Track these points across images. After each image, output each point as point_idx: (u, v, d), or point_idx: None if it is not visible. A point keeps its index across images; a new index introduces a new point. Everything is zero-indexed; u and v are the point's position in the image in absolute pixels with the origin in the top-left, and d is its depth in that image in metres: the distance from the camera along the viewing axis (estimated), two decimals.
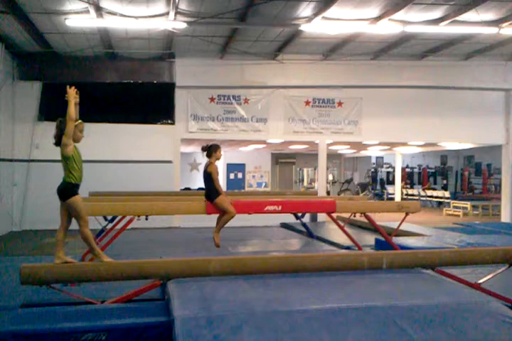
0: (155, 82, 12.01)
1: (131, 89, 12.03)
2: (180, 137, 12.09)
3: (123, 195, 7.70)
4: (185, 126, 12.02)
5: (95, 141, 11.60)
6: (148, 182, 10.81)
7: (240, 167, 20.76)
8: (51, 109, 11.48)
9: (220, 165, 21.19)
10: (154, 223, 7.03)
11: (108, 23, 9.11)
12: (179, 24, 8.86)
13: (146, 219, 5.63)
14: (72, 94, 3.70)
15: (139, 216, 5.58)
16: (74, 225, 6.12)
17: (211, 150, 5.76)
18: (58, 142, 3.68)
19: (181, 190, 13.14)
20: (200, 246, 6.76)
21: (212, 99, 12.12)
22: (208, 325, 2.91)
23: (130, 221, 5.73)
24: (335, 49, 11.40)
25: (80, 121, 3.77)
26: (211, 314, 3.05)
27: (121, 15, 8.77)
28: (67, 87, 3.75)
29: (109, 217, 7.18)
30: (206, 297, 3.36)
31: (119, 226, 6.15)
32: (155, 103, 12.09)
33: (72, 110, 3.63)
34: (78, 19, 8.77)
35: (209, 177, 5.72)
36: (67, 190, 3.63)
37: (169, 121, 12.09)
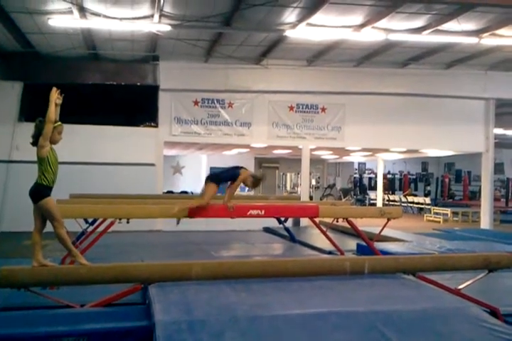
0: (138, 84, 11.93)
1: (115, 91, 11.93)
2: (164, 140, 12.01)
3: (104, 197, 7.61)
4: (169, 129, 11.95)
5: (77, 143, 11.47)
6: (131, 185, 10.70)
7: None
8: (32, 109, 11.29)
9: (203, 169, 21.13)
10: (136, 226, 6.94)
11: (91, 23, 9.03)
12: (163, 27, 8.84)
13: (128, 222, 5.57)
14: (55, 96, 3.63)
15: (120, 219, 5.52)
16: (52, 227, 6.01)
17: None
18: (36, 142, 3.62)
19: (164, 193, 13.05)
20: (182, 250, 6.71)
21: (196, 103, 12.09)
22: (190, 329, 2.88)
23: (111, 224, 5.66)
24: (319, 55, 11.48)
25: (59, 123, 3.70)
26: (193, 318, 3.02)
27: (105, 16, 8.71)
28: (53, 88, 3.68)
29: (90, 220, 7.09)
30: (188, 301, 3.33)
31: (100, 229, 6.07)
32: (138, 105, 12.02)
33: (52, 112, 3.57)
34: (61, 19, 8.68)
35: None
36: (39, 192, 3.58)
37: (152, 124, 12.01)
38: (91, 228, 6.83)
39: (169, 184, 19.03)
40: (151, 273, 3.62)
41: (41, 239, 3.65)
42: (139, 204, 6.25)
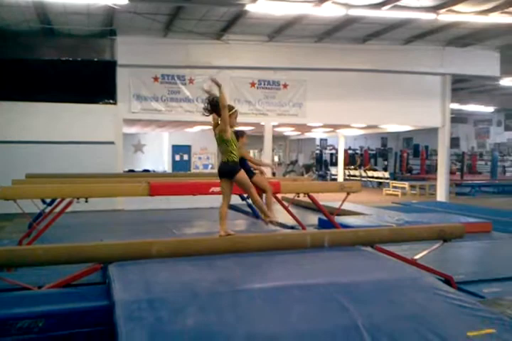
0: (95, 59, 11.56)
1: (71, 67, 11.52)
2: (123, 117, 11.75)
3: (62, 176, 7.43)
4: (128, 106, 11.69)
5: (33, 121, 11.11)
6: (90, 164, 10.49)
7: (186, 148, 20.53)
8: None
9: (165, 147, 20.88)
10: (96, 206, 6.85)
11: None
12: (120, 0, 8.54)
13: (86, 201, 5.47)
14: (218, 82, 3.86)
15: (78, 198, 5.41)
16: (10, 209, 5.86)
17: (237, 136, 5.59)
18: (209, 111, 3.98)
19: (125, 172, 12.85)
20: (143, 229, 6.66)
21: (155, 79, 11.84)
22: (150, 307, 2.86)
23: (69, 204, 5.55)
24: (280, 31, 11.38)
25: (235, 109, 4.07)
26: (153, 296, 3.01)
27: None
28: (210, 78, 3.97)
29: (48, 200, 6.92)
30: (148, 279, 3.31)
31: (58, 210, 5.94)
32: (96, 82, 11.65)
33: (224, 97, 3.83)
34: None
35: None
36: (235, 168, 4.00)
37: (111, 101, 11.70)
38: (49, 209, 6.68)
39: (130, 163, 18.75)
40: (110, 252, 3.57)
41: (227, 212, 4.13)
42: (97, 183, 6.13)
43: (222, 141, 4.00)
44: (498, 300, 3.73)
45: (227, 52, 11.90)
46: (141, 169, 18.62)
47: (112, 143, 11.58)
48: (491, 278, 4.55)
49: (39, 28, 10.87)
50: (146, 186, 5.71)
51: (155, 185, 5.76)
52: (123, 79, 11.59)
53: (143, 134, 20.88)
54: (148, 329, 2.69)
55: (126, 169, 15.10)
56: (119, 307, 2.85)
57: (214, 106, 3.90)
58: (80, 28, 11.00)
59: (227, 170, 4.00)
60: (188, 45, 11.67)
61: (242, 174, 4.04)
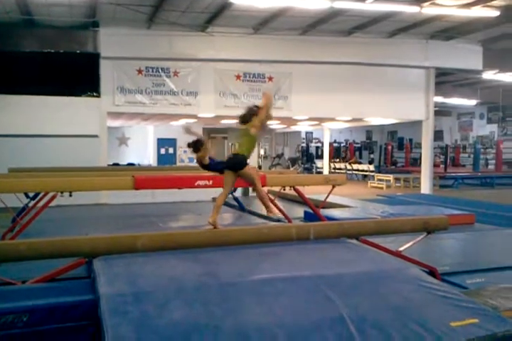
0: (78, 51, 11.40)
1: (53, 60, 11.34)
2: (107, 110, 11.62)
3: (45, 170, 7.34)
4: (112, 99, 11.56)
5: (15, 115, 10.95)
6: (74, 158, 10.37)
7: (171, 142, 20.42)
8: None
9: (150, 140, 20.76)
10: (80, 200, 6.76)
11: None
12: None
13: (70, 195, 5.41)
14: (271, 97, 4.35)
15: (61, 192, 5.35)
16: None
17: (198, 145, 5.43)
18: (243, 121, 4.21)
19: (109, 165, 12.74)
20: (128, 223, 6.61)
21: (139, 71, 11.72)
22: (135, 301, 2.85)
23: (53, 197, 5.48)
24: (265, 23, 11.33)
25: (272, 115, 4.35)
26: (138, 290, 2.99)
27: None
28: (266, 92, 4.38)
29: (31, 194, 6.84)
30: (134, 273, 3.29)
31: (42, 204, 5.87)
32: (79, 74, 11.50)
33: (271, 97, 4.33)
34: None
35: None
36: (244, 161, 4.14)
37: (94, 94, 11.56)
38: (33, 203, 6.60)
39: (115, 156, 18.60)
40: (95, 246, 3.53)
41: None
42: (81, 177, 6.06)
43: (245, 134, 4.16)
44: (480, 290, 3.78)
45: (212, 44, 11.82)
46: (125, 162, 18.49)
47: (96, 136, 11.46)
48: (474, 269, 4.60)
49: (20, 19, 10.68)
50: (130, 179, 5.66)
51: (140, 178, 5.72)
52: (106, 71, 11.45)
53: (127, 127, 20.71)
54: (134, 323, 2.68)
55: (111, 163, 14.97)
56: (104, 301, 2.83)
57: (252, 114, 4.11)
58: (62, 19, 10.82)
59: (234, 163, 4.13)
60: (172, 37, 11.57)
61: (248, 168, 4.16)
